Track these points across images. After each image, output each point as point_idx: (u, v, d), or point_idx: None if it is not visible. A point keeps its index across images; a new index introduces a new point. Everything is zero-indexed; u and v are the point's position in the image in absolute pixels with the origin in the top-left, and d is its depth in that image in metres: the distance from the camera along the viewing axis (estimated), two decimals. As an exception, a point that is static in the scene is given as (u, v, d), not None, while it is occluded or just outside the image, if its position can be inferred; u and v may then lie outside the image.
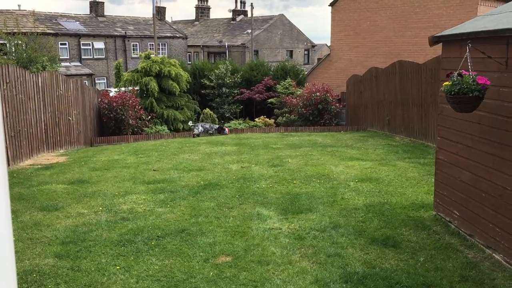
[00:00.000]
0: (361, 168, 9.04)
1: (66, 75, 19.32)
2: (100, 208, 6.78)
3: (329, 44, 28.33)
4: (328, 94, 17.91)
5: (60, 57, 28.73)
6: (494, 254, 4.87)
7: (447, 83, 4.58)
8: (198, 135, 15.76)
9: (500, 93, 4.68)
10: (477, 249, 5.10)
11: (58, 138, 12.71)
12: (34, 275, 4.62)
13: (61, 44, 33.37)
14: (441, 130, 6.02)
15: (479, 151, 5.10)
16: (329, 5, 25.44)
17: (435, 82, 11.22)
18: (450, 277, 4.48)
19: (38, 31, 23.43)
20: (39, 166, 10.09)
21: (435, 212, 6.22)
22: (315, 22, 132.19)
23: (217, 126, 16.60)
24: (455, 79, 4.49)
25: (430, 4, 21.48)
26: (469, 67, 4.62)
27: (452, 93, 4.49)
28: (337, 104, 18.39)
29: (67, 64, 32.74)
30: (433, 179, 6.77)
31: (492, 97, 4.73)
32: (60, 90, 12.94)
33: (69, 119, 13.42)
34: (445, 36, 5.75)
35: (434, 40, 5.92)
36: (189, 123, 18.51)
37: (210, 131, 16.07)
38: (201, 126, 16.63)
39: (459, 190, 5.55)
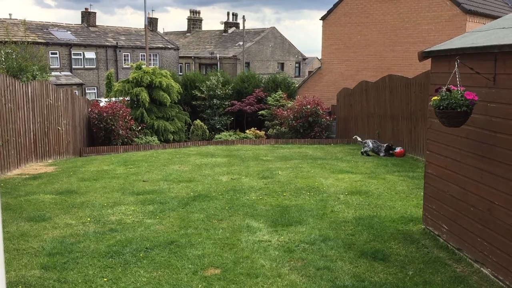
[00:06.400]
0: (351, 181, 9.07)
1: (56, 85, 19.21)
2: (88, 219, 6.71)
3: (320, 57, 28.53)
4: (319, 107, 18.00)
5: (51, 67, 28.60)
6: (482, 268, 4.89)
7: (436, 97, 4.64)
8: (367, 153, 12.81)
9: (488, 108, 4.74)
10: (465, 263, 5.13)
11: (47, 148, 12.61)
12: (20, 286, 4.55)
13: (51, 53, 33.30)
14: (430, 144, 6.07)
15: (467, 165, 5.15)
16: (320, 19, 25.71)
17: (424, 96, 11.34)
18: (438, 291, 4.49)
19: (29, 40, 23.34)
20: (27, 176, 9.99)
21: (423, 226, 6.25)
22: (307, 36, 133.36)
23: (385, 145, 12.84)
24: (444, 94, 4.55)
25: (419, 20, 21.78)
26: (458, 82, 4.69)
27: (441, 107, 4.54)
28: (328, 117, 18.48)
29: (58, 73, 32.62)
30: (422, 193, 6.82)
31: (480, 112, 4.79)
32: (50, 99, 12.87)
33: (58, 129, 13.33)
34: (434, 51, 5.84)
35: (423, 55, 6.01)
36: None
37: (379, 153, 12.71)
38: (371, 143, 13.02)
39: (448, 204, 5.59)
